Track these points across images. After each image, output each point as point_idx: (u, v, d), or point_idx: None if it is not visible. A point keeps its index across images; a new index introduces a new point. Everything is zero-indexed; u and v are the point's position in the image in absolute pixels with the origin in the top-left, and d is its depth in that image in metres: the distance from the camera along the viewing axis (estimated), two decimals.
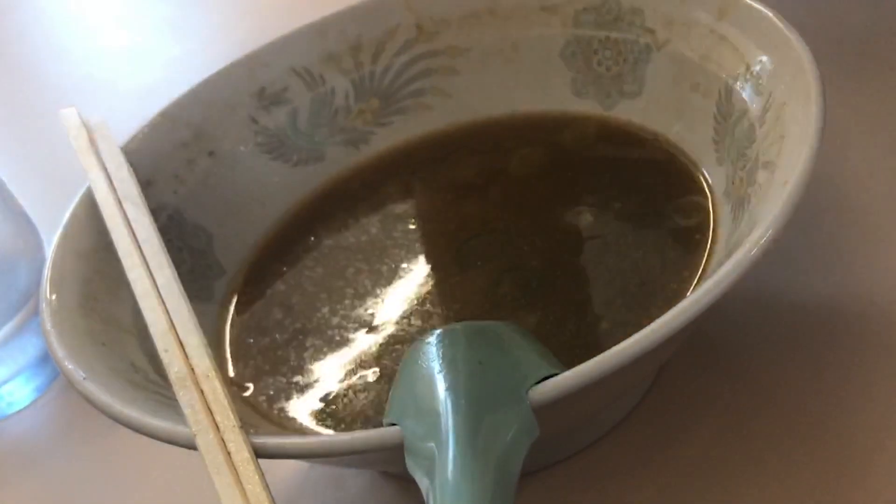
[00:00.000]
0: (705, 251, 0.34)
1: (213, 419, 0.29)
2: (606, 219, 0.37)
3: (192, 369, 0.31)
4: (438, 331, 0.29)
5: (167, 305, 0.33)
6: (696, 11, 0.37)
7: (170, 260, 0.35)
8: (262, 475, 0.28)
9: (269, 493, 0.28)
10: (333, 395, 0.35)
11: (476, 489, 0.24)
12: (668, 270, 0.35)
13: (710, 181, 0.36)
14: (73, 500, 0.40)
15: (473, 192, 0.40)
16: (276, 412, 0.35)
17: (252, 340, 0.37)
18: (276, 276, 0.39)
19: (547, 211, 0.38)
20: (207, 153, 0.41)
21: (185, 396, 0.30)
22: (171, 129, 0.41)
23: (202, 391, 0.30)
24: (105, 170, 0.38)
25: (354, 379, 0.35)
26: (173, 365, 0.31)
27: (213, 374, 0.31)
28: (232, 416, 0.29)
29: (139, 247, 0.35)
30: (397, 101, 0.43)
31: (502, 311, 0.35)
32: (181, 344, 0.32)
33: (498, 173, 0.41)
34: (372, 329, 0.36)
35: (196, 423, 0.29)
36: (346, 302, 0.38)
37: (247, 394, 0.35)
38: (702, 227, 0.35)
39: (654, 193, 0.37)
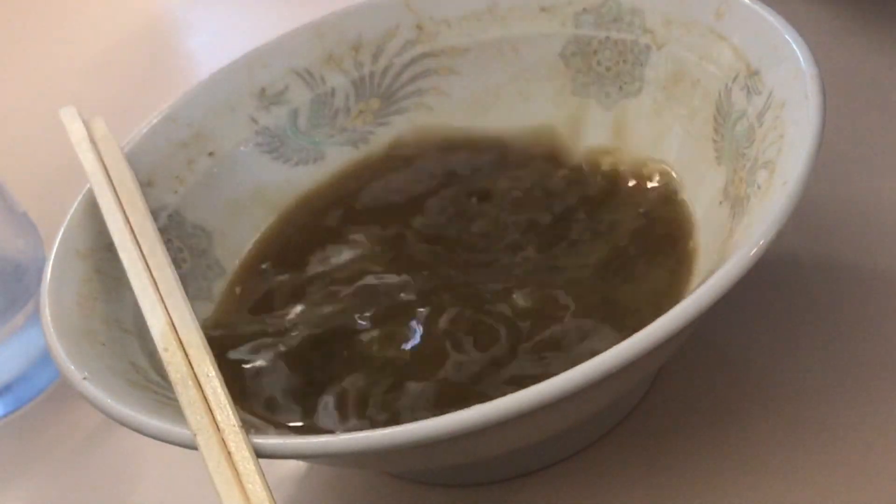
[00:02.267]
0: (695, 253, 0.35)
1: (214, 419, 0.29)
2: (600, 224, 0.37)
3: (193, 369, 0.31)
4: None
5: (167, 305, 0.33)
6: (696, 11, 0.37)
7: (170, 259, 0.35)
8: (262, 475, 0.28)
9: (270, 492, 0.28)
10: (335, 393, 0.35)
11: None
12: (668, 270, 0.35)
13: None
14: (73, 501, 0.40)
15: (474, 195, 0.40)
16: (274, 412, 0.35)
17: (253, 339, 0.37)
18: (276, 276, 0.39)
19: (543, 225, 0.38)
20: (207, 153, 0.41)
21: (185, 396, 0.30)
22: (171, 129, 0.41)
23: (202, 391, 0.30)
24: (105, 169, 0.38)
25: (356, 378, 0.35)
26: (173, 365, 0.31)
27: (213, 373, 0.31)
28: (232, 416, 0.29)
29: (139, 246, 0.35)
30: (397, 101, 0.43)
31: (496, 312, 0.35)
32: (181, 343, 0.32)
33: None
34: (375, 327, 0.36)
35: (196, 422, 0.29)
36: (348, 300, 0.38)
37: (257, 394, 0.35)
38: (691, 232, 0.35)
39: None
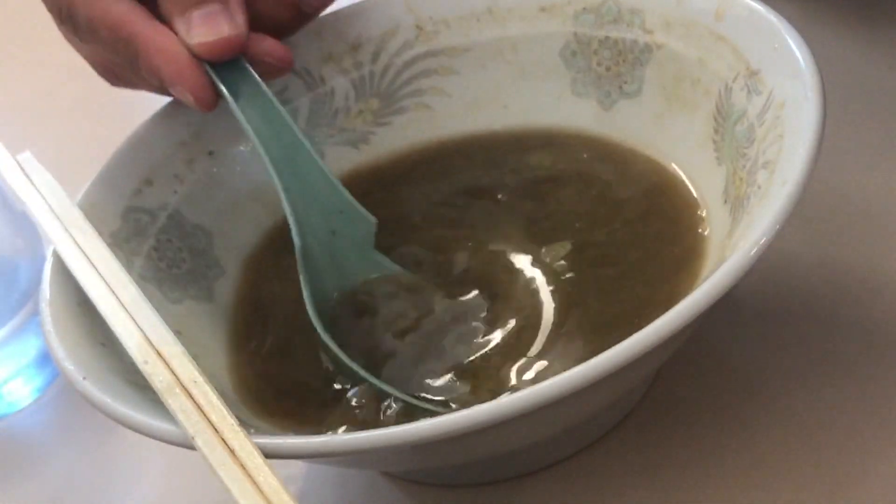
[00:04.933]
0: (704, 251, 0.35)
1: (210, 420, 0.29)
2: (600, 226, 0.37)
3: (177, 377, 0.31)
4: None
5: (138, 321, 0.33)
6: (695, 12, 0.37)
7: (130, 278, 0.34)
8: (271, 466, 0.28)
9: (282, 482, 0.28)
10: (336, 392, 0.35)
11: None
12: (667, 271, 0.35)
13: (700, 186, 0.36)
14: (73, 500, 0.40)
15: (477, 198, 0.40)
16: (283, 412, 0.35)
17: (256, 341, 0.37)
18: (279, 276, 0.39)
19: (541, 221, 0.38)
20: (207, 153, 0.41)
21: (175, 403, 0.30)
22: (171, 128, 0.41)
23: (192, 396, 0.30)
24: (45, 200, 0.37)
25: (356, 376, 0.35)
26: (157, 375, 0.31)
27: (199, 378, 0.30)
28: (228, 416, 0.29)
29: (97, 269, 0.35)
30: (397, 101, 0.43)
31: (502, 309, 0.35)
32: (160, 354, 0.31)
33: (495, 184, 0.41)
34: (374, 326, 0.36)
35: (192, 425, 0.29)
36: (351, 300, 0.38)
37: (258, 394, 0.35)
38: (698, 231, 0.35)
39: (648, 202, 0.38)
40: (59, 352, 0.32)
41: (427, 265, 0.38)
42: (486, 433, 0.27)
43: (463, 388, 0.33)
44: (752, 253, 0.28)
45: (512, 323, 0.35)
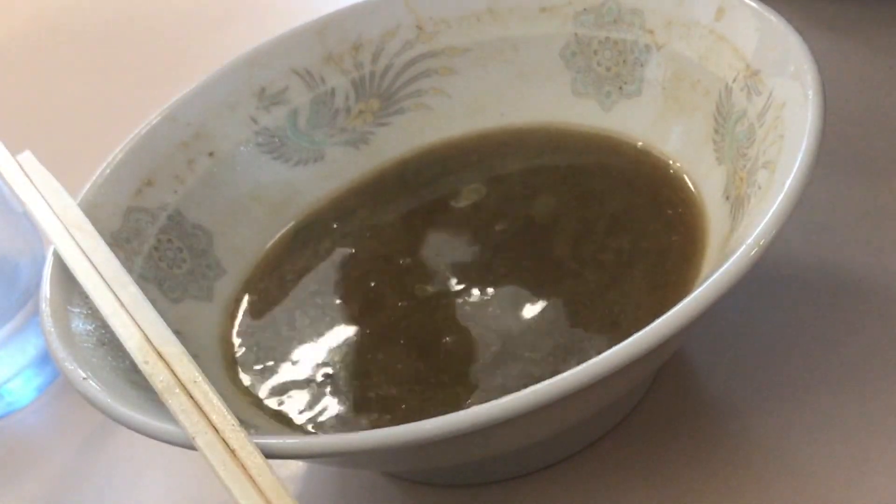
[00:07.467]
0: (703, 251, 0.35)
1: (210, 420, 0.29)
2: (599, 225, 0.37)
3: (177, 377, 0.31)
4: None
5: (138, 321, 0.33)
6: (696, 12, 0.37)
7: (130, 278, 0.34)
8: (272, 467, 0.28)
9: (283, 483, 0.28)
10: (335, 393, 0.35)
11: None
12: (667, 272, 0.35)
13: (699, 187, 0.36)
14: (73, 500, 0.40)
15: (471, 208, 0.41)
16: (282, 413, 0.35)
17: (257, 342, 0.37)
18: (278, 277, 0.39)
19: (540, 224, 0.38)
20: (207, 153, 0.41)
21: (175, 403, 0.30)
22: (171, 129, 0.41)
23: (192, 396, 0.30)
24: (45, 200, 0.37)
25: (356, 377, 0.35)
26: (157, 375, 0.31)
27: (200, 378, 0.31)
28: (228, 416, 0.29)
29: (97, 269, 0.35)
30: (397, 101, 0.43)
31: (500, 315, 0.35)
32: (160, 354, 0.32)
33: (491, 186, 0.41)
34: (374, 328, 0.36)
35: (192, 425, 0.29)
36: (348, 302, 0.38)
37: (256, 395, 0.35)
38: (696, 231, 0.35)
39: (646, 199, 0.38)
40: (59, 352, 0.32)
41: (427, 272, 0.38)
42: (486, 433, 0.27)
43: None
44: (752, 253, 0.28)
45: (517, 314, 0.35)
